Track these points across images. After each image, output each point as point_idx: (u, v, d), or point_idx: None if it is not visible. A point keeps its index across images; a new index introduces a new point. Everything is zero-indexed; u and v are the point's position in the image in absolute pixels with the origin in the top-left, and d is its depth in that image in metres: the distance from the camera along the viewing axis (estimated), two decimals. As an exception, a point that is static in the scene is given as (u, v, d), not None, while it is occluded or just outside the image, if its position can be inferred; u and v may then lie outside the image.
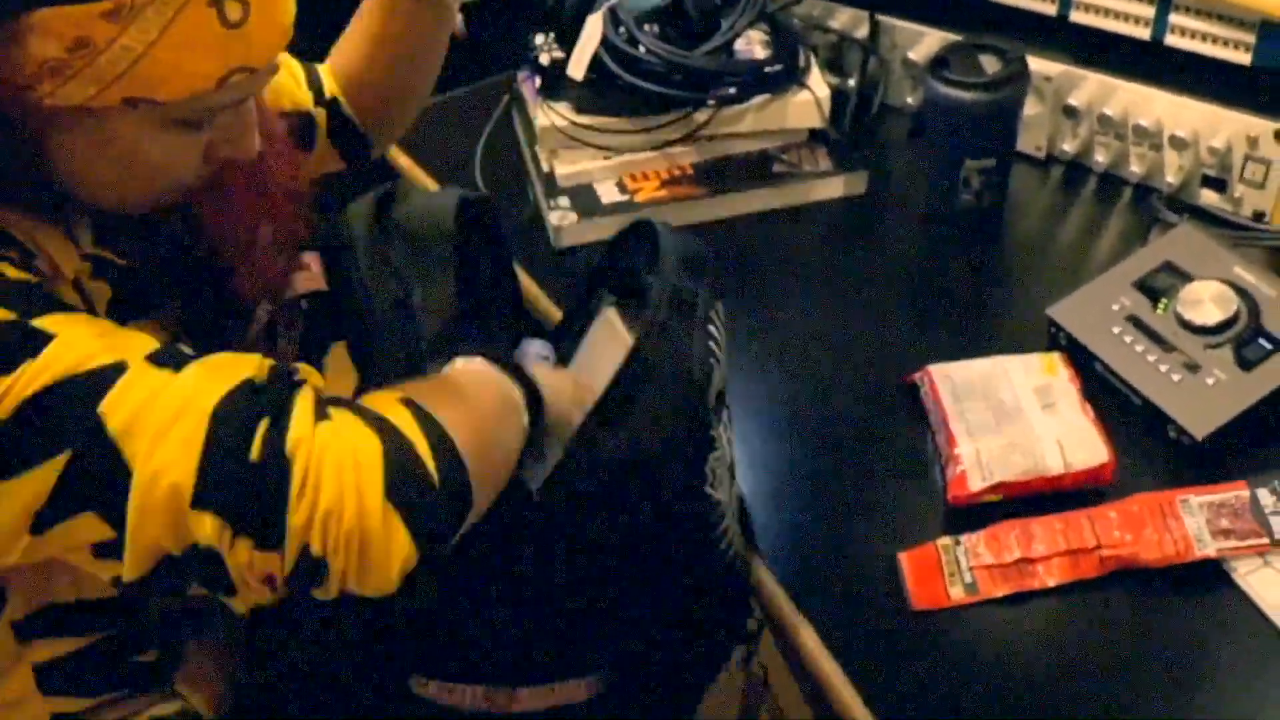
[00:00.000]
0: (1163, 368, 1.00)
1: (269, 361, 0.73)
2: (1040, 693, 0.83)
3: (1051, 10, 1.22)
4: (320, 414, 0.71)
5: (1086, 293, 1.07)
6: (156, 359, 0.71)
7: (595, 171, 1.24)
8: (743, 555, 0.94)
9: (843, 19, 1.37)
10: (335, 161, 1.07)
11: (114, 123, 0.73)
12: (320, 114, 1.04)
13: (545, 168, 1.25)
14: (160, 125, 0.74)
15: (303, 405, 0.70)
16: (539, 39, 1.32)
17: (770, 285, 1.15)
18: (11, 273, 0.72)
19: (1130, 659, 0.85)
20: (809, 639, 0.88)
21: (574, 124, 1.21)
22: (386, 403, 0.73)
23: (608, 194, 1.23)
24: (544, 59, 1.26)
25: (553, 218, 1.19)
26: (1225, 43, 1.14)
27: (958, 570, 0.90)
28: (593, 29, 1.20)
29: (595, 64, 1.21)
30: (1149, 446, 0.98)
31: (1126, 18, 1.18)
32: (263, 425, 0.68)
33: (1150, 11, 1.16)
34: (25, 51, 0.68)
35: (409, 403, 0.73)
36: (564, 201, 1.22)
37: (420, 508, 0.69)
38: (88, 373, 0.68)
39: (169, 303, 0.86)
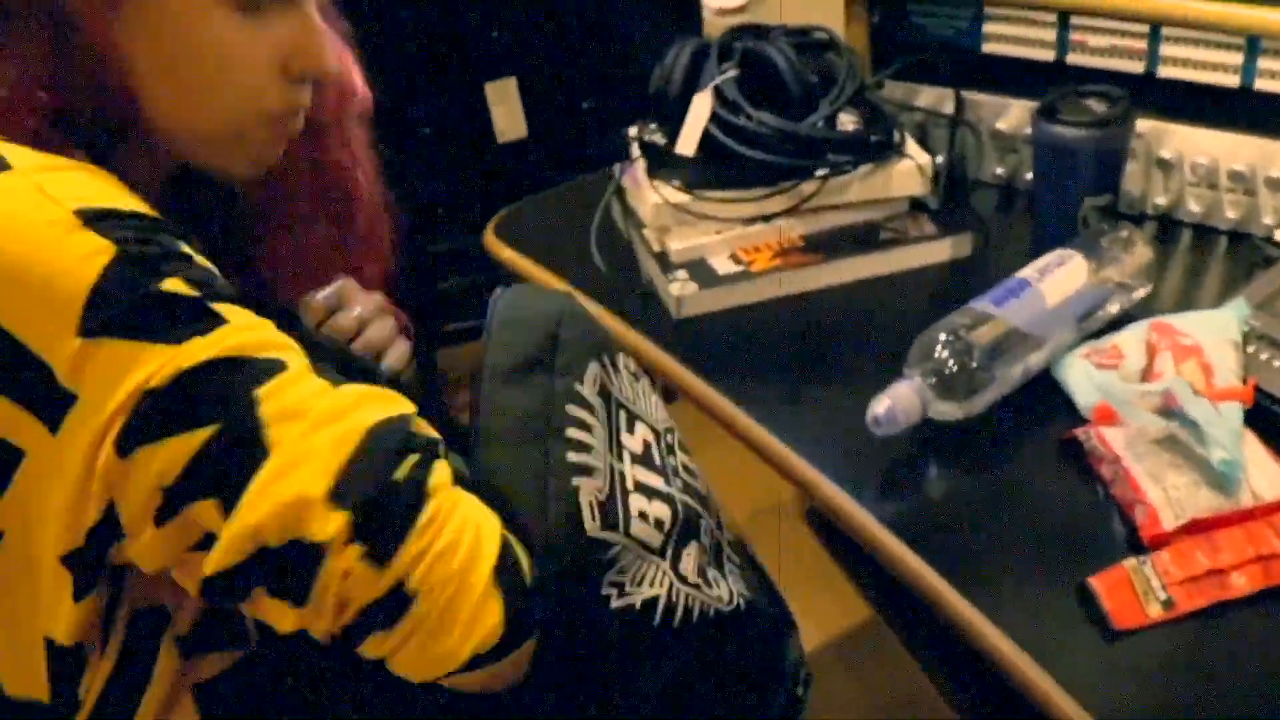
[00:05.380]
0: (1311, 380, 1.02)
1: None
2: (1250, 696, 0.83)
3: (1139, 69, 1.27)
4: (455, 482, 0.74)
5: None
6: (317, 370, 0.73)
7: (708, 246, 1.26)
8: (720, 603, 0.86)
9: (927, 98, 1.42)
10: None
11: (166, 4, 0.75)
12: None
13: (656, 247, 1.28)
14: (214, 3, 0.76)
15: (443, 466, 0.74)
16: (632, 131, 1.36)
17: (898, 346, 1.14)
18: (199, 258, 0.73)
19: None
20: (1007, 648, 0.86)
21: (692, 196, 1.24)
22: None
23: (723, 266, 1.25)
24: (649, 140, 1.29)
25: (673, 288, 1.21)
26: (1319, 82, 1.18)
27: (1150, 589, 0.89)
28: (700, 107, 1.24)
29: (703, 140, 1.24)
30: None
31: (1215, 67, 1.22)
32: (412, 457, 0.71)
33: (1239, 59, 1.21)
34: None
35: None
36: (681, 274, 1.24)
37: (518, 596, 0.72)
38: (252, 359, 0.70)
39: None
